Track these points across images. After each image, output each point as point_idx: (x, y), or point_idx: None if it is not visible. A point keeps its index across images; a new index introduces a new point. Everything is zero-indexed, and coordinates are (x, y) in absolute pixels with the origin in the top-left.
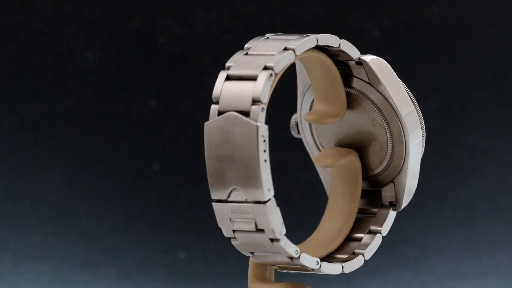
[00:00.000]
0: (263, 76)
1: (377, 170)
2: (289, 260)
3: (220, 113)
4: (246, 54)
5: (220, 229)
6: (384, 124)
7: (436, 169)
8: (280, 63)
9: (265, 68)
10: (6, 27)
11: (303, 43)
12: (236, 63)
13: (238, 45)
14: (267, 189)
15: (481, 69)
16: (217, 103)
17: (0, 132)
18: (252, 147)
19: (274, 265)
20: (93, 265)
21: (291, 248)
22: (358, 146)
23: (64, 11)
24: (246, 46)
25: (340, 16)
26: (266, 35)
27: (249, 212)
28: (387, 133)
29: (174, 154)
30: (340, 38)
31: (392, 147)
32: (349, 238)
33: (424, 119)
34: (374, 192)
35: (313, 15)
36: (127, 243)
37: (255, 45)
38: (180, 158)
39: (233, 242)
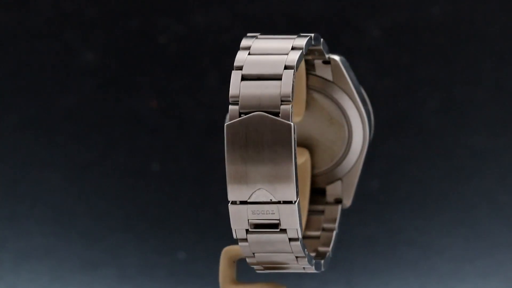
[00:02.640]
0: (289, 75)
1: (323, 168)
2: (293, 259)
3: (241, 113)
4: (249, 54)
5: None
6: (345, 122)
7: (437, 170)
8: (298, 62)
9: (286, 67)
10: (6, 27)
11: (307, 42)
12: (247, 63)
13: (238, 45)
14: (296, 189)
15: (482, 69)
16: (235, 103)
17: (0, 132)
18: (286, 147)
19: (259, 265)
20: (93, 265)
21: (303, 247)
22: (306, 145)
23: (64, 11)
24: (243, 45)
25: (340, 16)
26: (249, 34)
27: (275, 212)
28: (347, 131)
29: (174, 154)
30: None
31: (348, 144)
32: (305, 236)
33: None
34: (312, 190)
35: (313, 15)
36: (127, 244)
37: (253, 45)
38: (180, 158)
39: (241, 243)
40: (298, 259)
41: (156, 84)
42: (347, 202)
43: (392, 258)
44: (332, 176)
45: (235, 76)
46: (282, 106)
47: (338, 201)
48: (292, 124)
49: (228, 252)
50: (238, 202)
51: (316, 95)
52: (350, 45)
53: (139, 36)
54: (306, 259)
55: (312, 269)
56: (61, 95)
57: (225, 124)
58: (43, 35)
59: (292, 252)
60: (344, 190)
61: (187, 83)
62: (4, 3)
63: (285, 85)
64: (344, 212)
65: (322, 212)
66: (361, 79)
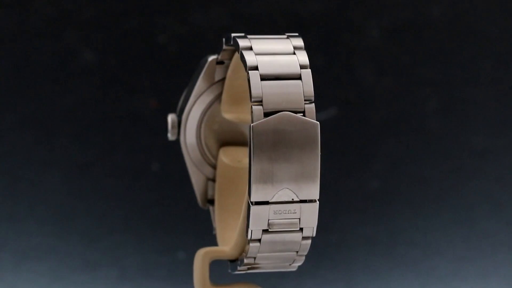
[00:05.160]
0: (308, 74)
1: None
2: (292, 258)
3: (266, 114)
4: (256, 54)
5: None
6: None
7: (437, 169)
8: None
9: (302, 67)
10: (6, 27)
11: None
12: (262, 63)
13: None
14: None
15: (482, 69)
16: (259, 103)
17: (0, 132)
18: (313, 146)
19: (246, 266)
20: (93, 265)
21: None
22: (246, 143)
23: (64, 11)
24: (244, 46)
25: (340, 16)
26: (236, 35)
27: (296, 212)
28: None
29: (174, 154)
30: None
31: None
32: None
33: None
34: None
35: (313, 15)
36: (127, 244)
37: (254, 46)
38: (180, 158)
39: (252, 244)
40: (297, 257)
41: (156, 84)
42: None
43: (392, 258)
44: None
45: (254, 76)
46: (306, 105)
47: None
48: (318, 123)
49: (208, 254)
50: (261, 203)
51: None
52: (350, 45)
53: (139, 36)
54: (304, 257)
55: (295, 268)
56: (61, 95)
57: (252, 125)
58: (43, 35)
59: (297, 251)
60: None
61: (187, 83)
62: (4, 3)
63: (307, 84)
64: (344, 212)
65: None
66: (361, 79)
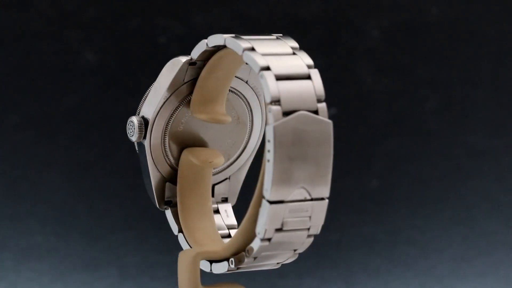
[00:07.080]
0: (316, 74)
1: (218, 168)
2: (287, 257)
3: (285, 113)
4: (261, 55)
5: None
6: (250, 121)
7: (436, 169)
8: None
9: (308, 66)
10: (6, 27)
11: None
12: (272, 63)
13: None
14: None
15: (481, 69)
16: (277, 103)
17: (1, 132)
18: (327, 145)
19: (236, 266)
20: (94, 265)
21: None
22: (206, 144)
23: (64, 11)
24: (246, 47)
25: (340, 16)
26: (228, 35)
27: (308, 210)
28: (249, 131)
29: None
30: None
31: (246, 143)
32: (222, 237)
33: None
34: None
35: (313, 15)
36: (128, 243)
37: (255, 47)
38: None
39: (262, 243)
40: (293, 255)
41: None
42: (233, 200)
43: (391, 257)
44: (222, 175)
45: (269, 76)
46: (318, 105)
47: (225, 200)
48: (331, 121)
49: (199, 255)
50: (278, 202)
51: (230, 95)
52: (350, 45)
53: (139, 36)
54: (298, 254)
55: (279, 266)
56: (62, 95)
57: (273, 125)
58: (44, 35)
59: (296, 250)
60: (230, 189)
61: None
62: (5, 3)
63: (318, 84)
64: (344, 211)
65: (217, 211)
66: (361, 79)
